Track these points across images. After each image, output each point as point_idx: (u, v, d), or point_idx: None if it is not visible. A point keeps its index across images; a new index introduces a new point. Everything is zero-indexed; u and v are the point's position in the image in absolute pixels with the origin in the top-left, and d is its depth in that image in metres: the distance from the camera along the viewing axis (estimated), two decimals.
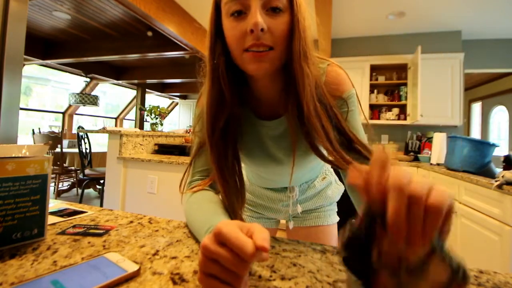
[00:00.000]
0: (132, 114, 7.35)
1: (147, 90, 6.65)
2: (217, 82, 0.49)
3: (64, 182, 4.75)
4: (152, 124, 2.79)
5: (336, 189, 0.85)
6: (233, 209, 0.51)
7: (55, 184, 4.15)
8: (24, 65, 4.66)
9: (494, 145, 1.83)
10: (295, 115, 0.49)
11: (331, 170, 0.86)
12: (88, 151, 3.19)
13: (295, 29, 0.45)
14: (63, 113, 5.81)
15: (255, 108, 0.58)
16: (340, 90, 0.53)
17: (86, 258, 0.38)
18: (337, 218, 0.86)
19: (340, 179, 0.86)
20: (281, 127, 0.57)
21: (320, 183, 0.80)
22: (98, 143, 5.19)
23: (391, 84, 3.31)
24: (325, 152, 0.51)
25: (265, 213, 0.85)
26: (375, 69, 3.33)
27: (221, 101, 0.50)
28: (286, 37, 0.45)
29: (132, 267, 0.35)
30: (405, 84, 3.17)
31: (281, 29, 0.44)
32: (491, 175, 1.72)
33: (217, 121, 0.50)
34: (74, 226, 0.51)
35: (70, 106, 5.70)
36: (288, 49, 0.46)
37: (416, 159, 2.88)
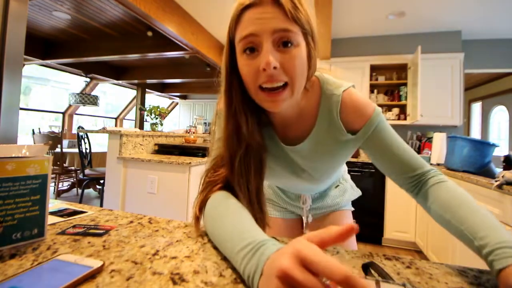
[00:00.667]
0: (132, 114, 7.35)
1: (147, 90, 6.65)
2: (233, 117, 0.51)
3: (64, 182, 4.75)
4: (152, 124, 2.79)
5: (352, 195, 0.87)
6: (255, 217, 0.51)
7: (55, 184, 4.15)
8: (24, 65, 4.66)
9: (494, 145, 1.83)
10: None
11: (346, 177, 0.88)
12: (88, 151, 3.19)
13: (311, 60, 0.48)
14: (63, 113, 5.81)
15: (278, 131, 0.60)
16: (364, 117, 0.54)
17: (37, 263, 0.38)
18: (352, 208, 0.89)
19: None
20: (305, 148, 0.59)
21: (333, 191, 0.83)
22: (98, 143, 5.19)
23: (391, 84, 3.31)
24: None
25: (286, 206, 0.87)
26: (375, 69, 3.33)
27: (238, 132, 0.51)
28: (299, 71, 0.46)
29: (95, 264, 0.35)
30: (405, 84, 3.17)
31: (293, 64, 0.45)
32: (491, 175, 1.72)
33: (238, 150, 0.51)
34: (74, 226, 0.51)
35: (70, 106, 5.70)
36: (300, 82, 0.47)
37: None
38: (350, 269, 0.25)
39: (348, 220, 0.85)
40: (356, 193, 0.88)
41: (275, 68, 0.43)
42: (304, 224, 0.86)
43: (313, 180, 0.66)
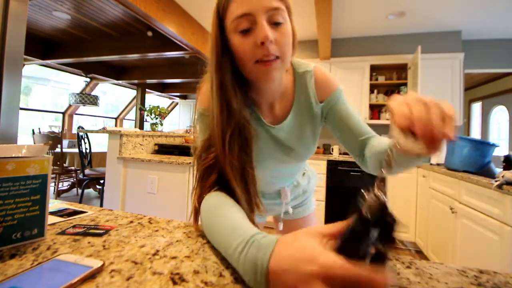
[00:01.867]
0: (132, 114, 7.35)
1: (147, 90, 6.65)
2: (223, 92, 0.52)
3: (64, 182, 4.75)
4: (152, 124, 2.79)
5: (315, 180, 0.95)
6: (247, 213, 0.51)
7: (55, 184, 4.15)
8: (24, 65, 4.66)
9: (494, 145, 1.83)
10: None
11: (307, 163, 0.93)
12: (88, 151, 3.19)
13: (294, 39, 0.53)
14: (63, 113, 5.81)
15: (263, 111, 0.63)
16: (331, 88, 0.64)
17: (38, 263, 0.38)
18: (315, 203, 0.98)
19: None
20: (289, 124, 0.64)
21: (302, 179, 0.88)
22: (98, 143, 5.19)
23: (391, 84, 3.31)
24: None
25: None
26: (375, 69, 3.33)
27: (228, 109, 0.52)
28: (288, 46, 0.51)
29: (95, 264, 0.35)
30: (405, 84, 3.17)
31: (284, 39, 0.49)
32: (491, 175, 1.72)
33: (228, 128, 0.52)
34: (74, 226, 0.51)
35: (70, 106, 5.70)
36: (289, 56, 0.52)
37: None
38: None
39: (314, 223, 0.95)
40: (316, 178, 0.97)
41: (271, 42, 0.47)
42: (280, 223, 0.91)
43: (299, 158, 0.71)
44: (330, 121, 0.66)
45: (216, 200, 0.49)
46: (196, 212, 0.52)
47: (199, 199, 0.52)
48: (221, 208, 0.46)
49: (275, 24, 0.48)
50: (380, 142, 0.57)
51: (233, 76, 0.52)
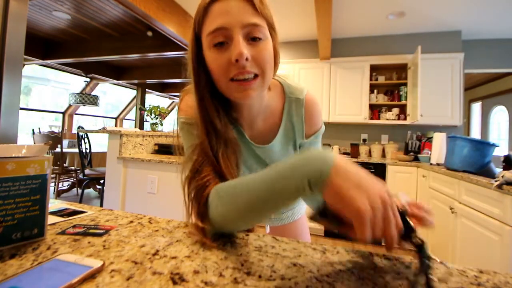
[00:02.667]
0: (132, 114, 7.35)
1: (147, 90, 6.65)
2: (205, 113, 0.51)
3: (64, 182, 4.75)
4: (152, 124, 2.79)
5: None
6: None
7: (55, 184, 4.15)
8: (24, 65, 4.66)
9: (494, 145, 1.83)
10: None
11: None
12: (88, 151, 3.19)
13: (276, 57, 0.51)
14: (63, 113, 5.81)
15: (245, 129, 0.61)
16: (316, 127, 0.64)
17: (38, 263, 0.38)
18: (305, 206, 0.91)
19: None
20: (273, 148, 0.63)
21: None
22: (98, 143, 5.19)
23: (391, 84, 3.31)
24: None
25: None
26: (375, 69, 3.33)
27: (214, 129, 0.51)
28: (268, 63, 0.47)
29: (95, 264, 0.35)
30: (405, 84, 3.17)
31: (263, 56, 0.46)
32: (491, 175, 1.72)
33: (219, 146, 0.51)
34: (74, 226, 0.51)
35: (70, 106, 5.70)
36: (270, 74, 0.49)
37: (416, 159, 2.88)
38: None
39: (304, 228, 0.88)
40: None
41: (247, 59, 0.44)
42: (267, 226, 0.88)
43: None
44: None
45: (229, 182, 0.46)
46: (203, 231, 0.45)
47: (202, 215, 0.47)
48: (244, 179, 0.43)
49: (253, 40, 0.45)
50: None
51: (213, 94, 0.51)
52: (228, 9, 0.44)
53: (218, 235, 0.47)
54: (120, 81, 6.00)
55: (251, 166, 0.66)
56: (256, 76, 0.47)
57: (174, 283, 0.33)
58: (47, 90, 7.06)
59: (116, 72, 5.86)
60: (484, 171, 1.79)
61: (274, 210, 0.40)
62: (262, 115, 0.60)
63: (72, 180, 4.54)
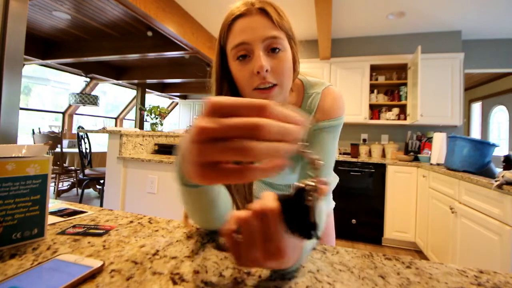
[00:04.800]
0: (132, 114, 7.35)
1: (147, 90, 6.65)
2: None
3: (64, 182, 4.75)
4: (152, 124, 2.79)
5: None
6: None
7: (55, 184, 4.15)
8: (24, 65, 4.66)
9: (494, 145, 1.83)
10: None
11: None
12: (88, 151, 3.19)
13: (295, 65, 0.55)
14: (63, 113, 5.81)
15: None
16: (333, 114, 0.61)
17: (37, 263, 0.38)
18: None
19: None
20: None
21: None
22: (98, 143, 5.19)
23: (391, 84, 3.31)
24: None
25: None
26: (375, 69, 3.33)
27: None
28: (287, 73, 0.51)
29: (95, 264, 0.35)
30: (405, 84, 3.17)
31: (282, 67, 0.50)
32: (491, 175, 1.72)
33: None
34: (74, 226, 0.51)
35: (70, 106, 5.70)
36: (287, 83, 0.53)
37: (416, 159, 2.88)
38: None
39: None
40: None
41: (267, 71, 0.48)
42: None
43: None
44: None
45: None
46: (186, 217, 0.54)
47: None
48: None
49: (272, 51, 0.49)
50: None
51: None
52: (248, 26, 0.49)
53: (218, 235, 0.48)
54: (120, 81, 6.00)
55: None
56: (275, 85, 0.50)
57: (174, 283, 0.33)
58: (47, 90, 7.06)
59: (116, 72, 5.86)
60: (484, 171, 1.79)
61: (205, 211, 0.43)
62: None
63: (72, 180, 4.54)
